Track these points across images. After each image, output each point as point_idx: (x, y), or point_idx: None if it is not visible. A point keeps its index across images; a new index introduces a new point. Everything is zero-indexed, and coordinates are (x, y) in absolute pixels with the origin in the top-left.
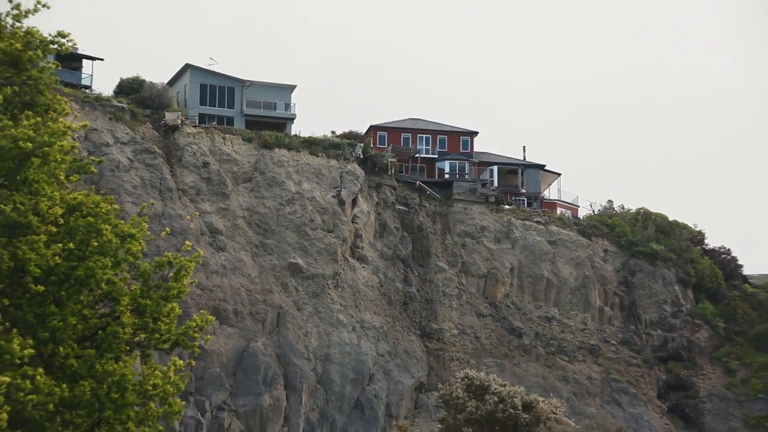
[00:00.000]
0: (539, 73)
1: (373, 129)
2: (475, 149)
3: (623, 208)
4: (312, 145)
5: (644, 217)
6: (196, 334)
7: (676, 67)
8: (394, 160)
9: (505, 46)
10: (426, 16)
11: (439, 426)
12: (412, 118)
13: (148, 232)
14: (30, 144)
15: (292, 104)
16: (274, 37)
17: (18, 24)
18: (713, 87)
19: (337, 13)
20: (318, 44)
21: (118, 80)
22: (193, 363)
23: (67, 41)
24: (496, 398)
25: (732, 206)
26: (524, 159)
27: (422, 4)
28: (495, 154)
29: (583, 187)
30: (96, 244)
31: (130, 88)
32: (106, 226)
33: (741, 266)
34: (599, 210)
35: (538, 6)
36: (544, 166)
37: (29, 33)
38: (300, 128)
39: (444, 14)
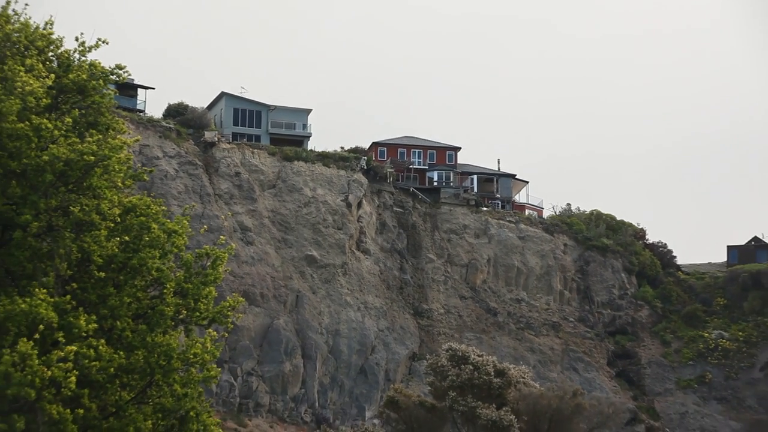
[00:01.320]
0: (510, 102)
1: (375, 145)
2: (459, 161)
3: (579, 209)
4: (325, 158)
5: (596, 217)
6: (229, 313)
7: (620, 109)
8: (392, 170)
9: (482, 78)
10: (420, 52)
11: (429, 388)
12: (407, 136)
13: (190, 229)
14: (93, 157)
15: (308, 124)
16: (294, 69)
17: (83, 58)
18: (649, 119)
19: (345, 50)
20: (329, 76)
21: (167, 105)
22: (226, 335)
23: (124, 72)
24: (471, 367)
25: (668, 208)
26: (498, 170)
27: (416, 42)
28: (474, 166)
29: (547, 192)
30: (147, 238)
31: (176, 111)
32: (156, 224)
33: (675, 257)
34: (560, 211)
35: (512, 50)
36: (515, 175)
37: (93, 65)
38: (315, 144)
39: (435, 49)
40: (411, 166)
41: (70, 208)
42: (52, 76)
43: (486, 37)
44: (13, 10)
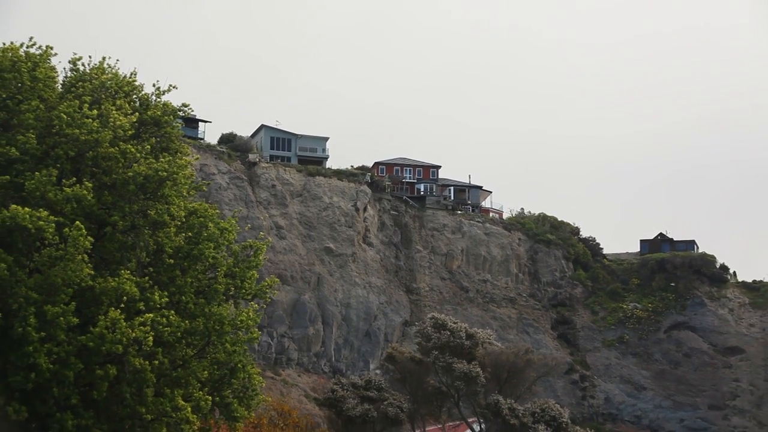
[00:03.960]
0: (478, 130)
1: (377, 164)
2: (440, 176)
3: (530, 212)
4: (339, 174)
5: (543, 218)
6: (267, 290)
7: (570, 130)
8: (390, 183)
9: (457, 112)
10: (410, 91)
11: (417, 347)
12: (401, 157)
13: (238, 227)
14: (165, 173)
15: (326, 149)
16: (315, 106)
17: (158, 99)
18: (585, 141)
19: (354, 91)
20: (342, 111)
21: (220, 134)
22: (265, 306)
23: (188, 109)
24: (448, 332)
25: (597, 210)
26: (470, 182)
27: (408, 83)
28: (451, 180)
29: (506, 199)
30: (205, 234)
31: (227, 139)
32: (212, 223)
33: (602, 248)
34: (515, 214)
35: (487, 83)
36: (482, 187)
37: (165, 105)
38: (331, 163)
39: (422, 89)
40: (404, 180)
41: (148, 211)
42: (136, 114)
43: (460, 81)
44: (108, 65)
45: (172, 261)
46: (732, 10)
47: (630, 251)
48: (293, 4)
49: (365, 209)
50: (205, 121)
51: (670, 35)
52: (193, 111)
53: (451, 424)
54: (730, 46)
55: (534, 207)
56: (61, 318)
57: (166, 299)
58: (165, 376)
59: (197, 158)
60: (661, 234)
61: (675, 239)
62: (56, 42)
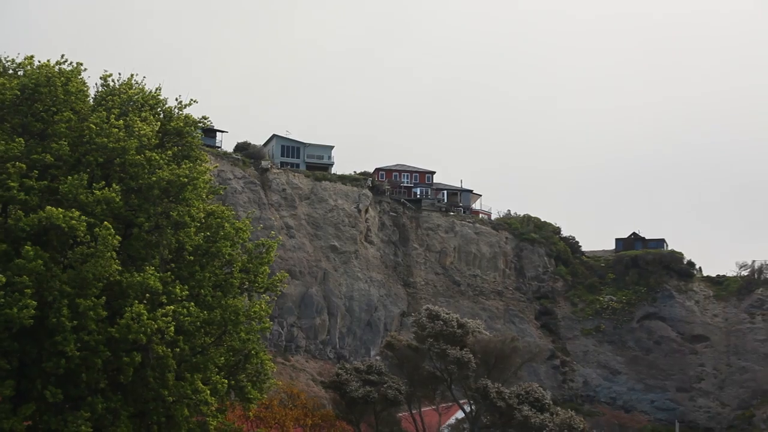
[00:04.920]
0: (468, 138)
1: (377, 170)
2: (434, 181)
3: (516, 213)
4: (343, 179)
5: (527, 218)
6: (278, 284)
7: (553, 140)
8: (389, 187)
9: (450, 122)
10: (408, 103)
11: (414, 336)
12: (399, 164)
13: (251, 227)
14: (186, 178)
15: (332, 156)
16: (322, 116)
17: (180, 112)
18: (565, 148)
19: (356, 103)
20: (346, 121)
21: (236, 143)
22: (276, 299)
23: (207, 121)
24: (442, 322)
25: (577, 211)
26: (461, 186)
27: (405, 97)
28: (445, 184)
29: (494, 201)
30: (222, 233)
31: (242, 147)
32: (228, 224)
33: (580, 246)
34: (503, 215)
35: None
36: (472, 190)
37: (187, 117)
38: (336, 169)
39: (417, 101)
40: (402, 184)
41: (171, 213)
42: (159, 124)
43: (454, 94)
44: (135, 81)
45: (192, 258)
46: (706, 31)
47: (606, 249)
48: (301, 26)
49: (367, 211)
50: (223, 132)
51: (644, 52)
52: (211, 122)
53: (444, 405)
54: (700, 60)
55: (519, 209)
56: (92, 310)
57: (187, 292)
58: (185, 362)
59: (216, 166)
60: (634, 233)
61: (647, 238)
62: (85, 60)
